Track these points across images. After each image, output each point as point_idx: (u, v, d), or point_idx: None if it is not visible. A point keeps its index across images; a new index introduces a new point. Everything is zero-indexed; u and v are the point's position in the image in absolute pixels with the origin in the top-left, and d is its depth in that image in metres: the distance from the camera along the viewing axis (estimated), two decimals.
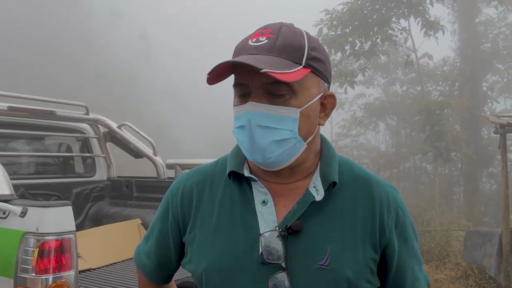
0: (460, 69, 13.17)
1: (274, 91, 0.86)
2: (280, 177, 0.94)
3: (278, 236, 0.88)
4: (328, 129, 17.57)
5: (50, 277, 1.90)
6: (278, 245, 0.88)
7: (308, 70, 0.87)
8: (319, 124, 0.94)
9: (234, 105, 0.91)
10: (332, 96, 0.95)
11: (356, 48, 9.56)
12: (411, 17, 9.76)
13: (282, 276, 0.87)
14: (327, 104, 0.94)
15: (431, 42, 9.93)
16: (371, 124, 17.32)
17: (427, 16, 9.58)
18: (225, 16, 26.86)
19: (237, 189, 0.96)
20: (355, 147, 18.25)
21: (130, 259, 3.26)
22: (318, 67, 0.90)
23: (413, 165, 16.45)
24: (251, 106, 0.86)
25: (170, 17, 26.03)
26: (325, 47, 9.80)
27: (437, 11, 10.30)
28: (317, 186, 0.92)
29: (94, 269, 2.98)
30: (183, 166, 3.98)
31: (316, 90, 0.90)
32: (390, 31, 9.80)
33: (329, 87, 0.95)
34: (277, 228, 0.89)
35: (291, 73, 0.84)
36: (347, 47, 9.69)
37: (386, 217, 0.94)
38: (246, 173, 0.95)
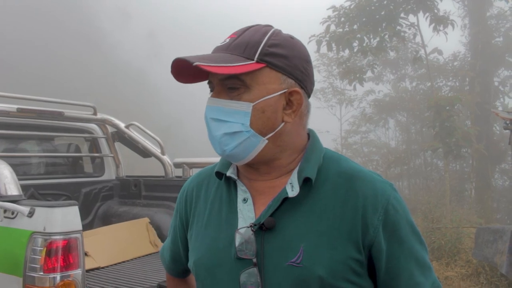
0: (471, 64, 13.03)
1: (229, 85, 0.90)
2: (259, 174, 0.97)
3: (252, 232, 0.90)
4: (337, 126, 17.53)
5: (58, 276, 1.93)
6: (252, 241, 0.90)
7: (261, 65, 0.89)
8: (284, 121, 0.92)
9: None
10: (298, 93, 0.93)
11: (364, 44, 9.49)
12: (420, 12, 9.66)
13: (252, 272, 0.89)
14: (294, 100, 0.93)
15: (441, 37, 9.83)
16: (380, 121, 17.21)
17: (436, 11, 9.48)
18: (233, 15, 26.85)
19: (225, 189, 1.01)
20: (365, 144, 18.15)
21: (138, 258, 3.29)
22: (277, 62, 0.90)
23: (424, 162, 16.32)
24: (209, 101, 0.93)
25: (178, 16, 26.10)
26: (333, 44, 9.76)
27: (446, 6, 10.19)
28: (293, 182, 0.93)
29: (102, 267, 3.01)
30: (191, 165, 3.99)
31: (275, 86, 0.90)
32: (399, 27, 9.72)
33: (301, 85, 0.94)
34: (251, 224, 0.91)
35: (232, 66, 0.87)
36: (355, 44, 9.63)
37: (370, 214, 0.89)
38: (228, 172, 0.99)
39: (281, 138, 0.93)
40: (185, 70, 0.93)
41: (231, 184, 1.00)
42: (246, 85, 0.89)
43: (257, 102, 0.89)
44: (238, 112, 0.90)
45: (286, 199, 0.91)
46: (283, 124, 0.93)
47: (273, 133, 0.92)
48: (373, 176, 0.95)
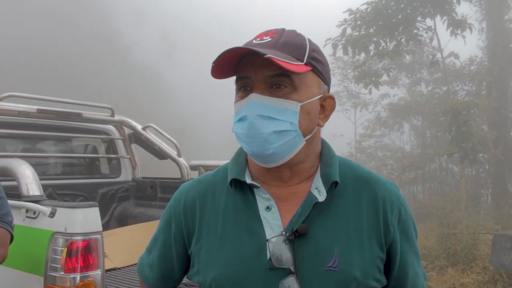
0: (488, 68, 12.84)
1: (276, 83, 0.89)
2: (282, 179, 0.95)
3: (284, 240, 0.88)
4: (352, 130, 17.42)
5: (78, 276, 1.95)
6: (285, 250, 0.88)
7: (309, 68, 0.91)
8: (318, 125, 0.95)
9: (236, 102, 0.93)
10: (332, 98, 0.97)
11: (380, 48, 9.42)
12: (437, 16, 9.56)
13: (291, 281, 0.87)
14: (327, 106, 0.97)
15: (458, 41, 9.71)
16: (395, 125, 17.05)
17: (453, 14, 9.37)
18: (247, 17, 26.92)
19: (239, 197, 0.96)
20: (379, 148, 18.00)
21: None
22: (319, 67, 0.94)
23: (439, 167, 16.12)
24: (254, 97, 0.88)
25: (191, 18, 26.25)
26: (349, 48, 9.71)
27: (464, 9, 10.08)
28: (319, 187, 0.93)
29: (119, 268, 3.03)
30: (207, 168, 4.01)
31: (316, 90, 0.93)
32: (415, 31, 9.63)
33: (328, 90, 0.98)
34: (283, 232, 0.89)
35: (294, 65, 0.87)
36: (371, 47, 9.56)
37: (389, 215, 0.95)
38: (248, 180, 0.95)
39: (313, 142, 0.95)
40: (223, 63, 0.90)
41: (246, 191, 0.96)
42: (295, 85, 0.89)
43: (304, 103, 0.90)
44: (287, 111, 0.88)
45: (315, 204, 0.91)
46: (316, 128, 0.95)
47: (310, 135, 0.93)
48: (381, 178, 1.00)
